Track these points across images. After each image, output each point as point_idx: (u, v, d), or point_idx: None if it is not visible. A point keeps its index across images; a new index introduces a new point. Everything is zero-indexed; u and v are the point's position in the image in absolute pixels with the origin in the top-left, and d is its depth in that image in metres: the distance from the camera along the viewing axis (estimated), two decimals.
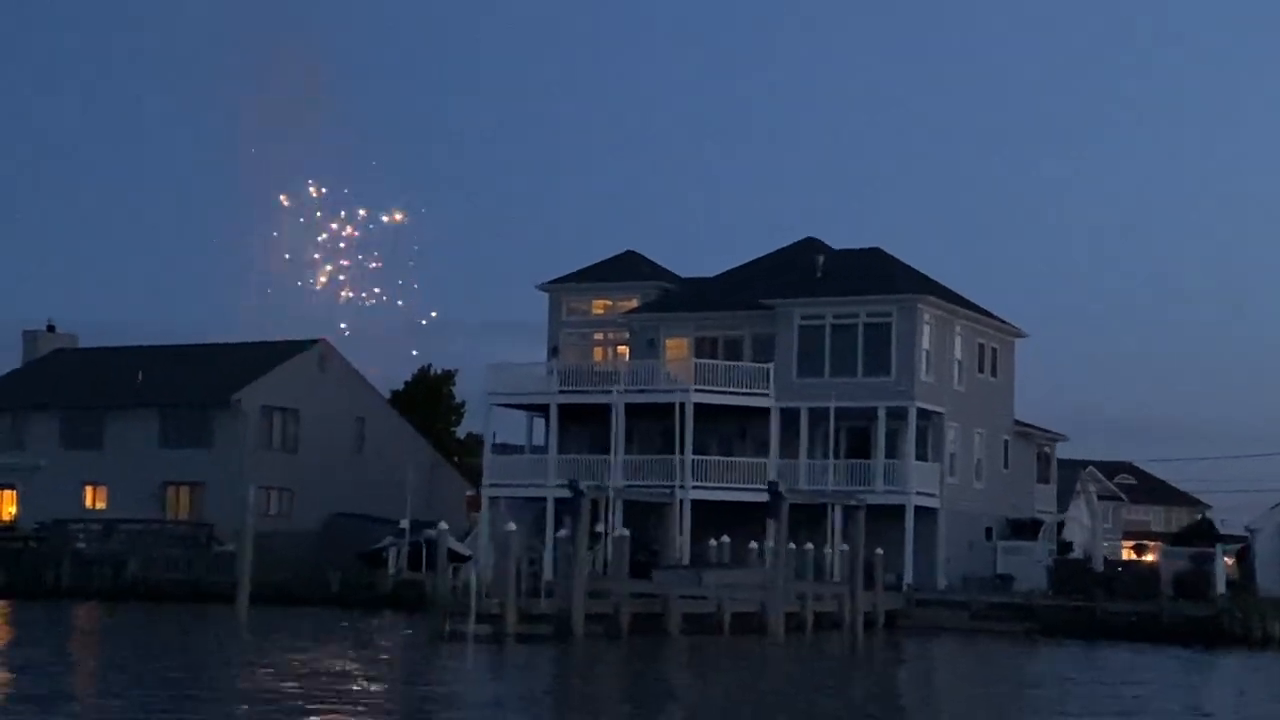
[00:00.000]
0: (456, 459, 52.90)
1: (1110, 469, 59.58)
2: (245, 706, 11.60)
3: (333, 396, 42.77)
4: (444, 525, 27.21)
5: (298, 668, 16.04)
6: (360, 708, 12.64)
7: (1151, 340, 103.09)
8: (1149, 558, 43.15)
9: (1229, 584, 32.65)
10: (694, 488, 32.38)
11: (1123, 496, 59.72)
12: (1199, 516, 57.31)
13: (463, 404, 58.50)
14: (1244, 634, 28.03)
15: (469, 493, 47.34)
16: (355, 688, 14.55)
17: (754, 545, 28.62)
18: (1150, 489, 66.98)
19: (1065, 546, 38.02)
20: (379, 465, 42.24)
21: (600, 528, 27.38)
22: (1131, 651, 26.11)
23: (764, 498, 28.13)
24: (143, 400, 40.55)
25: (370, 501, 40.13)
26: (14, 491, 41.36)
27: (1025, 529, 35.53)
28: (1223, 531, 45.71)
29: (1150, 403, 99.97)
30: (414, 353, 55.56)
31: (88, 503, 40.20)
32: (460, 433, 58.27)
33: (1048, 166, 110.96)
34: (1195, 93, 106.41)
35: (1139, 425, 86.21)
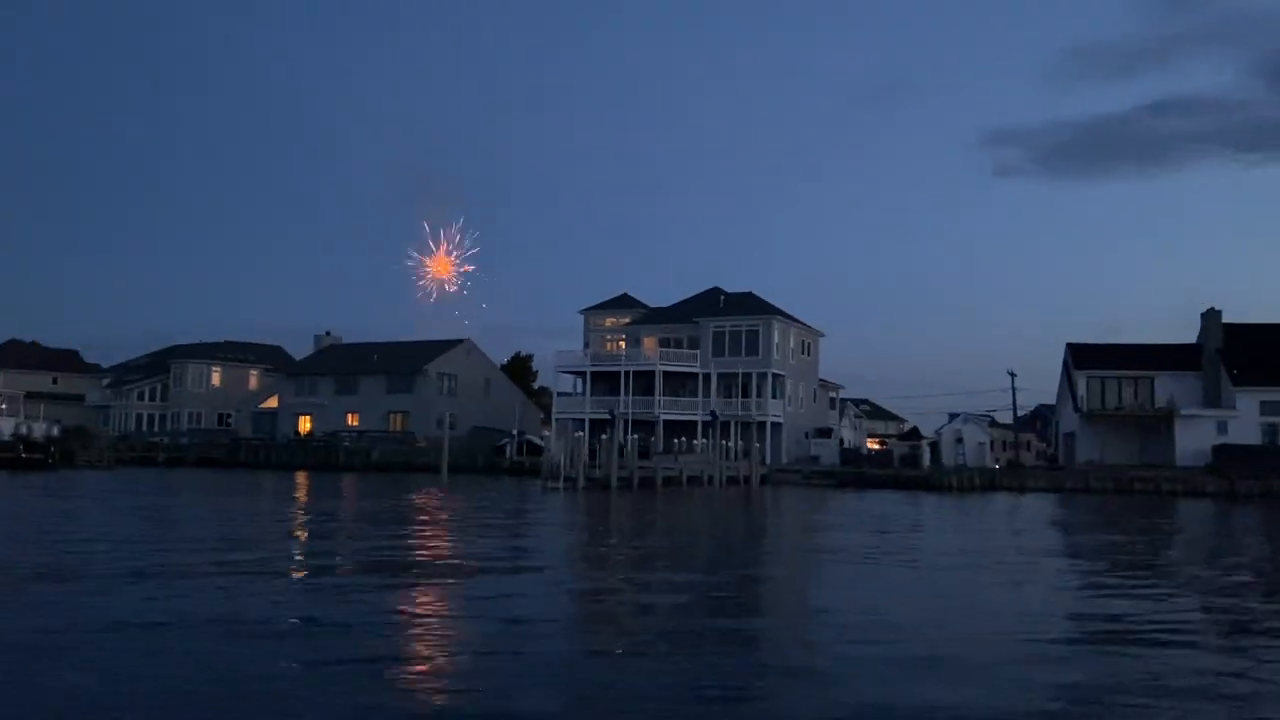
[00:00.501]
0: (535, 399, 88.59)
1: (860, 402, 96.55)
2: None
3: (473, 366, 78.05)
4: (545, 433, 61.92)
5: (481, 499, 49.74)
6: (505, 516, 31.35)
7: (887, 327, 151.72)
8: (884, 447, 74.48)
9: (929, 461, 66.04)
10: (663, 414, 66.48)
11: (863, 416, 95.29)
12: (907, 426, 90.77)
13: (536, 371, 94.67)
14: (940, 486, 51.52)
15: (541, 417, 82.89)
16: (505, 509, 33.49)
17: (697, 442, 62.00)
18: (881, 412, 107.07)
19: (842, 441, 71.86)
20: (498, 402, 77.56)
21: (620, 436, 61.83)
22: (882, 495, 44.29)
23: (704, 418, 62.12)
24: (376, 369, 76.09)
25: (496, 421, 75.29)
26: (309, 416, 77.14)
27: (824, 433, 69.54)
28: (923, 433, 77.80)
29: (882, 363, 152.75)
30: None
31: (348, 423, 75.76)
32: (535, 385, 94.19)
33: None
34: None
35: (876, 376, 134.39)
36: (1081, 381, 64.12)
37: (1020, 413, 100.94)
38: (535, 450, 63.26)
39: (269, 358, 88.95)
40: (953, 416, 70.22)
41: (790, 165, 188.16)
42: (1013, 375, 68.55)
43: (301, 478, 51.61)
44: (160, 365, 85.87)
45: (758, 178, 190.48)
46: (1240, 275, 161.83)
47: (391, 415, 74.03)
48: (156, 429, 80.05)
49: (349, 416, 74.88)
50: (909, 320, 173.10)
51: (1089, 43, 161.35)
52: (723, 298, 69.03)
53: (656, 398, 64.79)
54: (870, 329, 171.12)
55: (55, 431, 57.81)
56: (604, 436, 53.91)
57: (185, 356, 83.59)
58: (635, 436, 54.27)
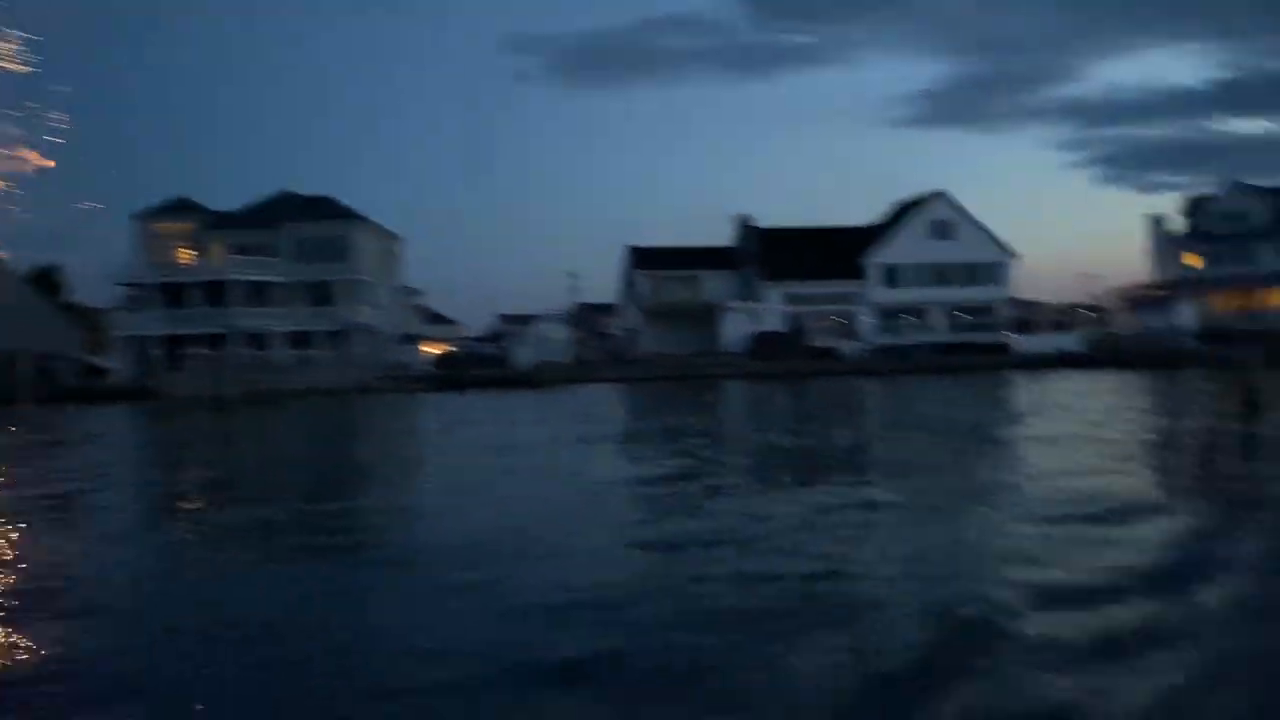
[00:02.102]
0: (74, 317, 78.36)
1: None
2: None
3: None
4: (96, 355, 55.59)
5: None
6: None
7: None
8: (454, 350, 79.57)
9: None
10: (241, 325, 62.65)
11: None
12: (466, 330, 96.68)
13: (61, 285, 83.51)
14: (534, 383, 54.21)
15: (84, 336, 73.84)
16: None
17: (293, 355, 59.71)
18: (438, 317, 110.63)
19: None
20: (31, 323, 67.66)
21: None
22: (485, 394, 47.39)
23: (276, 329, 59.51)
24: None
25: (34, 344, 65.69)
26: None
27: (412, 339, 70.31)
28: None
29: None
30: None
31: None
32: (66, 301, 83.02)
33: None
34: None
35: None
36: (641, 281, 71.03)
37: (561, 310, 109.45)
38: (98, 373, 57.04)
39: None
40: (508, 318, 74.72)
41: (326, 69, 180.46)
42: (574, 276, 74.27)
43: None
44: None
45: (293, 79, 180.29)
46: (747, 180, 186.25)
47: None
48: None
49: None
50: (447, 221, 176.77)
51: None
52: (298, 202, 66.07)
53: (234, 309, 61.02)
54: (417, 233, 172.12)
55: None
56: (154, 352, 50.25)
57: None
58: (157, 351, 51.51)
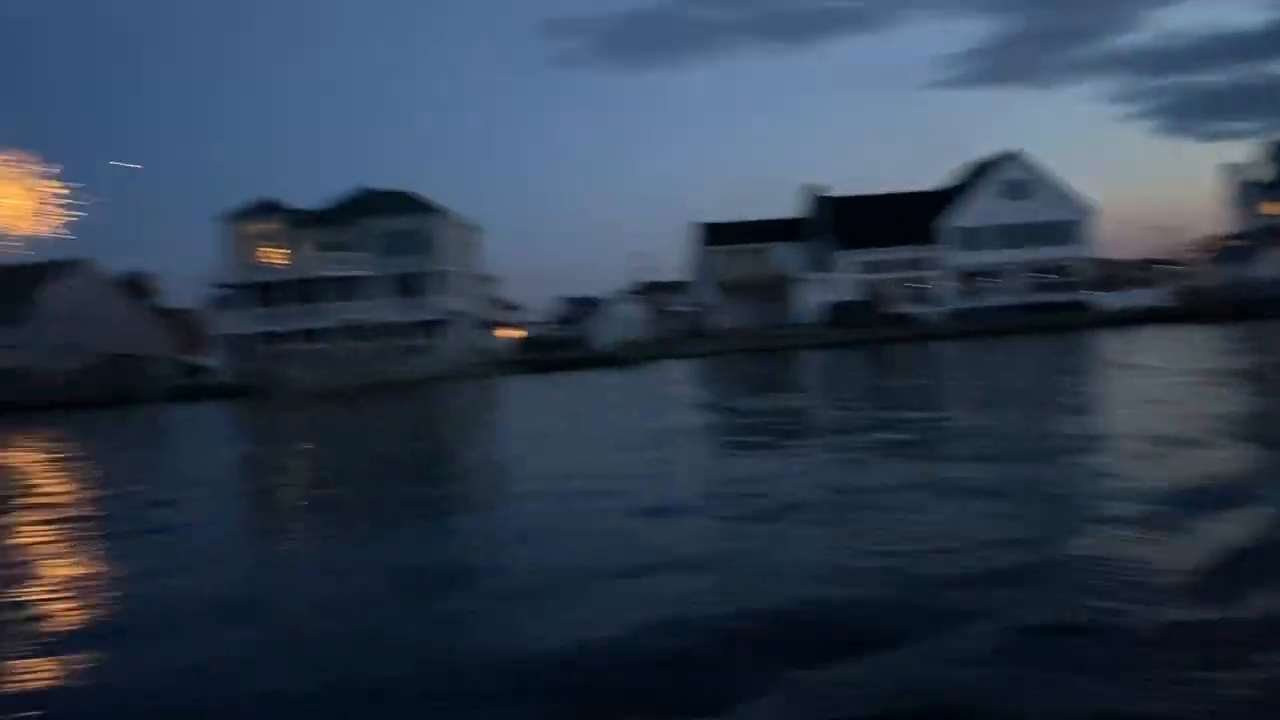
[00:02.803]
0: (165, 319, 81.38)
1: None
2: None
3: (93, 288, 69.76)
4: (201, 355, 57.97)
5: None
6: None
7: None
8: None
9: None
10: (335, 320, 64.71)
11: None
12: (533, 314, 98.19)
13: (157, 289, 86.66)
14: (621, 361, 53.22)
15: (178, 337, 76.74)
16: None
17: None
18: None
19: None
20: (128, 326, 70.48)
21: None
22: (584, 375, 46.73)
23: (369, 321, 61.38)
24: None
25: (129, 346, 68.53)
26: None
27: (492, 326, 71.94)
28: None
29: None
30: None
31: None
32: (157, 304, 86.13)
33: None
34: None
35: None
36: (713, 257, 71.85)
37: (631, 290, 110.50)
38: (201, 371, 59.41)
39: None
40: (572, 300, 76.07)
41: (361, 60, 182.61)
42: (640, 256, 75.19)
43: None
44: None
45: (343, 75, 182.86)
46: (798, 150, 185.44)
47: None
48: None
49: None
50: (502, 207, 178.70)
51: None
52: (378, 198, 67.78)
53: (326, 304, 63.05)
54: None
55: None
56: (280, 348, 52.25)
57: None
58: (284, 347, 53.50)
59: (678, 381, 35.84)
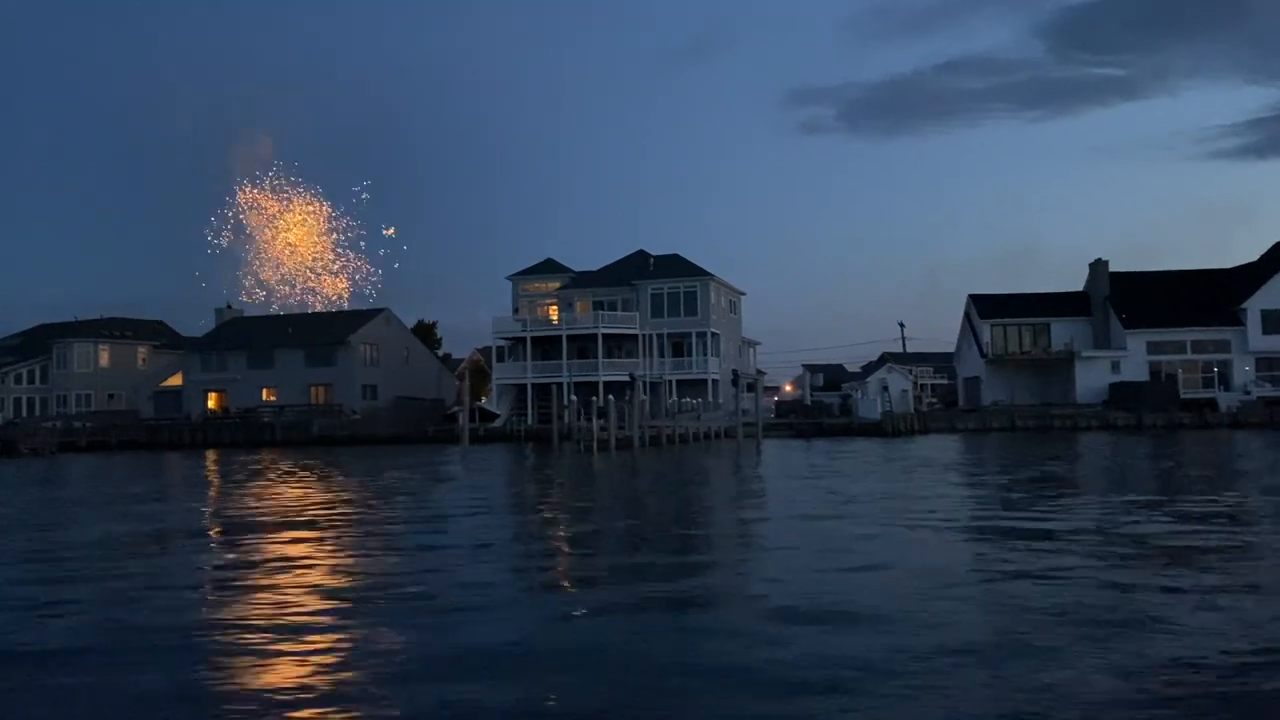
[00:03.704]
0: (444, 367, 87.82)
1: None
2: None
3: (392, 335, 76.58)
4: (474, 400, 62.26)
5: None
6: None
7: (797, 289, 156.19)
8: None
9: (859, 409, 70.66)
10: (604, 375, 67.75)
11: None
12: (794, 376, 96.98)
13: (440, 338, 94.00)
14: (887, 432, 56.48)
15: (457, 384, 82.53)
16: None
17: (688, 402, 63.20)
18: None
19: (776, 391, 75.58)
20: (417, 371, 76.69)
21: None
22: (851, 442, 49.83)
23: (623, 378, 63.84)
24: (293, 342, 73.34)
25: (415, 390, 74.41)
26: (220, 393, 73.64)
27: (750, 387, 72.82)
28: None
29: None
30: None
31: (263, 398, 72.87)
32: (439, 353, 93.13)
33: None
34: None
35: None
36: (985, 329, 69.72)
37: (863, 362, 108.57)
38: (487, 416, 63.36)
39: (151, 334, 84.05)
40: (813, 367, 75.45)
41: (610, 122, 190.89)
42: (902, 325, 73.98)
43: (271, 454, 49.46)
44: (35, 345, 79.68)
45: (606, 141, 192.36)
46: (1050, 219, 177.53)
47: (313, 389, 71.83)
48: (39, 413, 74.49)
49: (264, 391, 72.10)
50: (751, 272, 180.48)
51: (886, 2, 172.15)
52: (651, 260, 70.61)
53: (599, 360, 65.77)
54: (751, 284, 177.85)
55: None
56: (572, 399, 54.70)
57: (66, 335, 77.94)
58: (575, 399, 55.48)
59: (956, 457, 35.03)
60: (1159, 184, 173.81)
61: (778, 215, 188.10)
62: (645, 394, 55.51)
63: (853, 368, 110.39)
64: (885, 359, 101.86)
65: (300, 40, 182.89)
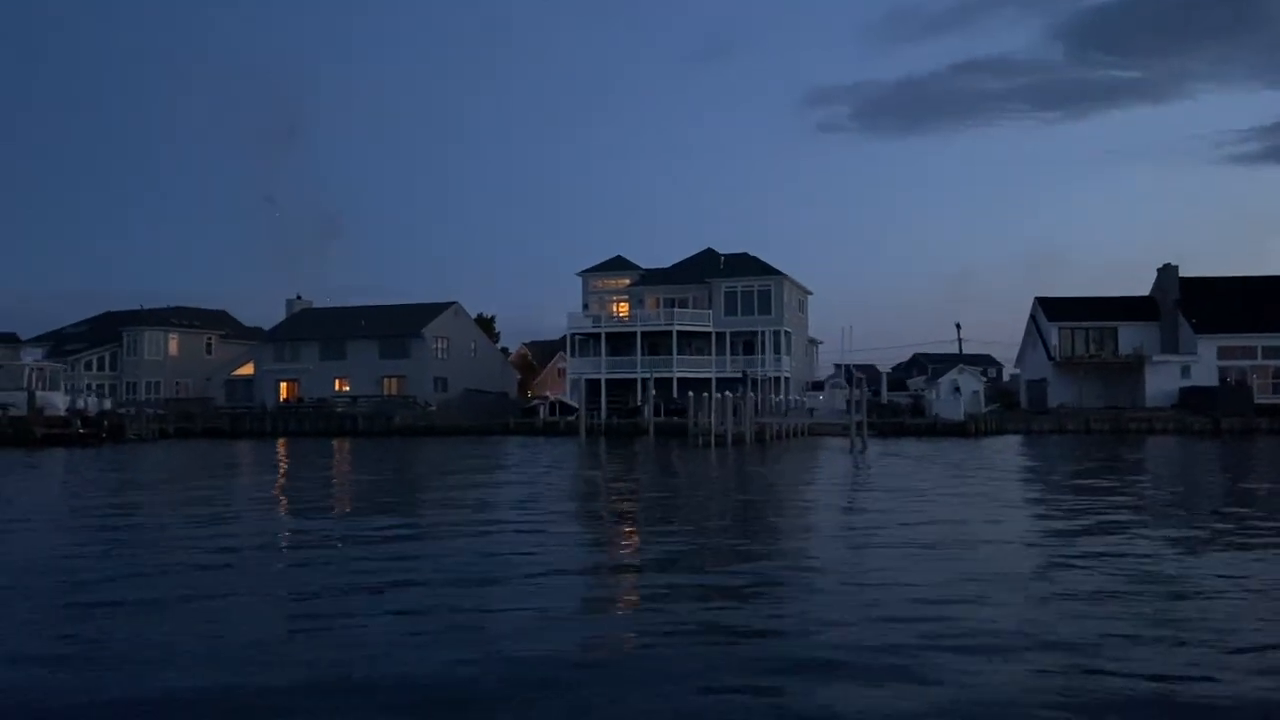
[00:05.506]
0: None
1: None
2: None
3: (461, 328, 77.37)
4: (553, 395, 62.99)
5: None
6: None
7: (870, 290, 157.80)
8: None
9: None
10: (678, 373, 68.27)
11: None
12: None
13: (499, 333, 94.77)
14: (966, 432, 55.93)
15: (518, 378, 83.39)
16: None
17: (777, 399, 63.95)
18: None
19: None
20: (483, 364, 77.46)
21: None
22: (940, 442, 49.77)
23: (719, 375, 64.40)
24: (366, 334, 74.14)
25: (482, 383, 75.16)
26: (293, 382, 74.53)
27: (816, 386, 73.52)
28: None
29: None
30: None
31: (335, 388, 73.65)
32: (499, 346, 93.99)
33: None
34: None
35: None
36: (1053, 332, 70.25)
37: (896, 362, 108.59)
38: (566, 410, 63.98)
39: (215, 323, 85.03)
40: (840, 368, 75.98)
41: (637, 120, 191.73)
42: (958, 326, 74.50)
43: (377, 445, 50.33)
44: (104, 333, 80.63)
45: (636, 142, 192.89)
46: (1073, 222, 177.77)
47: (386, 380, 72.66)
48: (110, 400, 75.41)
49: (336, 382, 72.94)
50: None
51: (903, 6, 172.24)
52: (722, 259, 71.24)
53: (674, 356, 66.32)
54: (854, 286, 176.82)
55: (106, 405, 54.23)
56: (652, 394, 55.69)
57: (135, 323, 78.90)
58: (655, 393, 57.11)
59: (1052, 458, 35.79)
60: (1178, 188, 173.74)
61: (794, 213, 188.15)
62: (755, 391, 56.25)
63: (883, 368, 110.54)
64: (916, 360, 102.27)
65: (329, 43, 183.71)
